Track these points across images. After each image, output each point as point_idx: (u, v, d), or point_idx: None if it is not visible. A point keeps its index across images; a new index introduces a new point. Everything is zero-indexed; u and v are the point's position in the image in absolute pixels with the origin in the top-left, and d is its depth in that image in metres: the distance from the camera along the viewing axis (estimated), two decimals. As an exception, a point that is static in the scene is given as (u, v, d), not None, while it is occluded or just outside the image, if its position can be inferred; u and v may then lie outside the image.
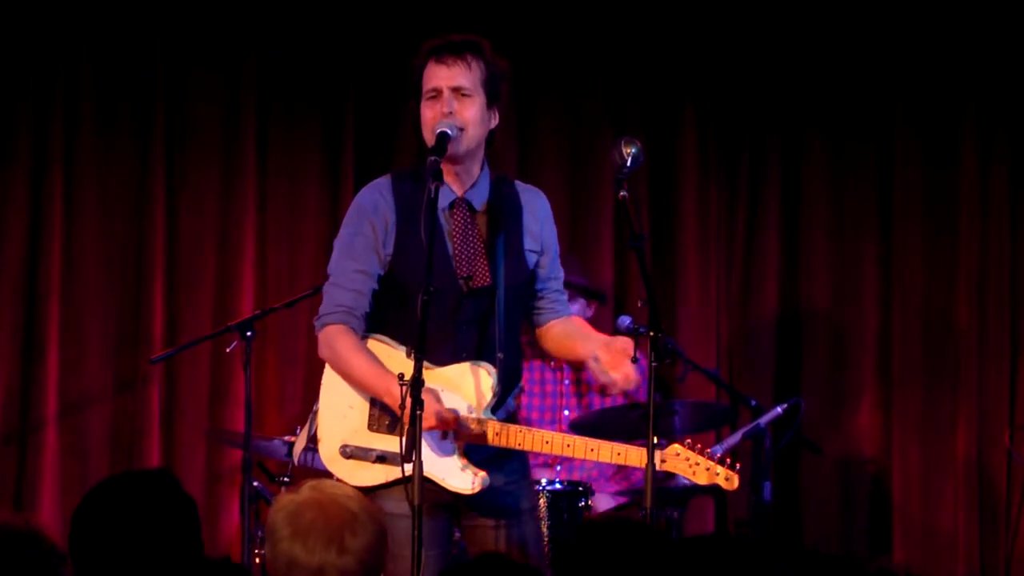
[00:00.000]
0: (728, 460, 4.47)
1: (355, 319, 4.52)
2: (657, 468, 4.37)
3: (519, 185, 4.71)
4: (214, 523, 6.79)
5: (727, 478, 4.46)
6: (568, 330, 4.72)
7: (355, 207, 4.64)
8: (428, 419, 4.26)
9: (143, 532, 3.18)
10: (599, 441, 4.47)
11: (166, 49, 6.95)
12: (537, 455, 6.22)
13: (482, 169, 4.62)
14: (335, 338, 4.52)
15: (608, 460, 4.49)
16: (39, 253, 6.84)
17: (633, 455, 4.43)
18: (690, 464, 4.45)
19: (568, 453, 4.49)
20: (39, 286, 6.83)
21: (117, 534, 3.17)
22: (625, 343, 4.44)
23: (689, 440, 4.46)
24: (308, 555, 3.29)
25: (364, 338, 4.56)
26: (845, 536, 7.12)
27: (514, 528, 4.57)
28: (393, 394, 4.33)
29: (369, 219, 4.56)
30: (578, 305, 6.43)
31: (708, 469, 4.45)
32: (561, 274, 4.76)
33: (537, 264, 4.67)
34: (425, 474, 4.32)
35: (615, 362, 4.43)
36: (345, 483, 4.35)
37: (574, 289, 6.26)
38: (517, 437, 4.47)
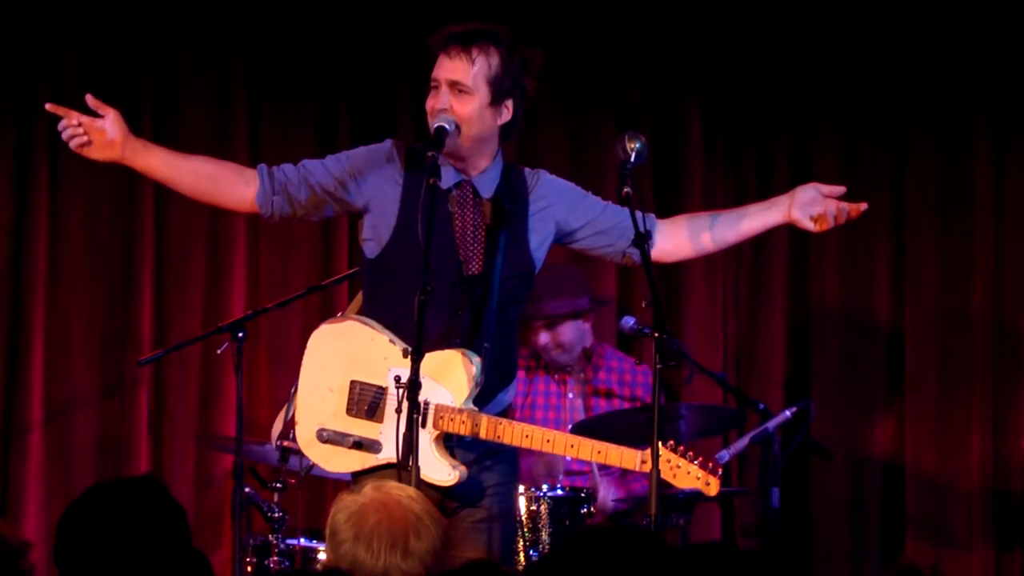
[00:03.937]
0: (710, 465, 4.44)
1: (264, 171, 4.61)
2: (636, 469, 4.39)
3: (527, 172, 4.70)
4: (204, 530, 6.71)
5: (707, 483, 4.43)
6: (699, 225, 4.79)
7: (375, 145, 4.66)
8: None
9: (130, 541, 3.11)
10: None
11: (154, 39, 6.87)
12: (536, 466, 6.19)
13: (493, 160, 4.60)
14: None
15: (605, 462, 4.49)
16: (23, 251, 6.76)
17: (614, 455, 4.43)
18: (671, 467, 4.41)
19: (572, 454, 4.47)
20: (23, 285, 6.75)
21: (103, 544, 3.12)
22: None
23: (672, 442, 4.43)
24: (372, 558, 3.32)
25: (345, 317, 4.60)
26: (856, 543, 7.06)
27: (494, 530, 4.56)
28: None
29: (371, 153, 4.61)
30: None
31: (689, 473, 4.42)
32: (609, 204, 4.75)
33: (595, 232, 4.69)
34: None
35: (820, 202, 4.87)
36: (321, 468, 4.57)
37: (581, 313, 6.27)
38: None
